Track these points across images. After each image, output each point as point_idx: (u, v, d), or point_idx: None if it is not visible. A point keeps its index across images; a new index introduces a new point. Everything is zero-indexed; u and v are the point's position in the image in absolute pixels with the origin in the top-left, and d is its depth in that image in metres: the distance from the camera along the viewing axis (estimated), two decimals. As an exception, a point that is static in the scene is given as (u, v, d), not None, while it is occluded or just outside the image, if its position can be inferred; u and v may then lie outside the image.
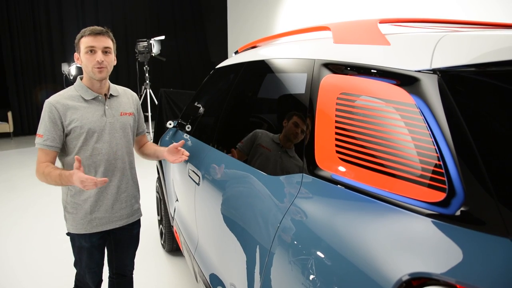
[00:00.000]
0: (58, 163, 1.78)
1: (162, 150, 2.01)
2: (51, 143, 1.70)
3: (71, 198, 1.80)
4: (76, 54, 1.77)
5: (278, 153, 1.47)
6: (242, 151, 1.70)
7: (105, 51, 1.72)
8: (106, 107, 1.80)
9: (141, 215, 2.02)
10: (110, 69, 1.77)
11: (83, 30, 1.72)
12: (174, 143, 1.95)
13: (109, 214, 1.83)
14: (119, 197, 1.86)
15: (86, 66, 1.72)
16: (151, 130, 7.81)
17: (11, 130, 8.94)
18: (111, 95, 1.84)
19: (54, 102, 1.71)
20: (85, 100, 1.76)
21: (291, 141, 1.43)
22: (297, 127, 1.38)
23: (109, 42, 1.74)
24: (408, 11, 4.59)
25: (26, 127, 9.51)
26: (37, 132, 1.73)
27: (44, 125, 1.70)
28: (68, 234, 1.84)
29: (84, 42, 1.69)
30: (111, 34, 1.77)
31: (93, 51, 1.70)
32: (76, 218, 1.79)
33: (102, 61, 1.70)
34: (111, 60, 1.76)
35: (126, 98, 1.92)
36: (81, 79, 1.80)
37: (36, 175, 1.72)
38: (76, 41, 1.75)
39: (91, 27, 1.72)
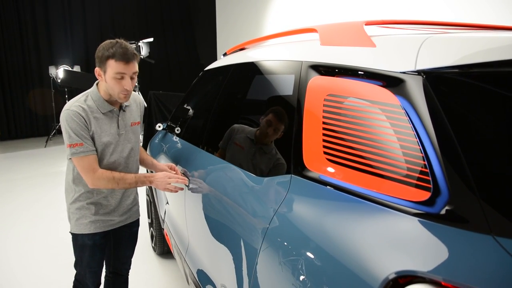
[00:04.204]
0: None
1: (156, 165, 2.04)
2: (93, 147, 1.69)
3: (73, 202, 1.80)
4: (98, 70, 1.68)
5: (252, 150, 1.48)
6: (222, 148, 1.72)
7: (133, 77, 1.69)
8: (120, 119, 1.79)
9: (139, 215, 2.04)
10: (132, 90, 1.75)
11: (111, 50, 1.62)
12: (170, 165, 2.02)
13: (111, 217, 1.85)
14: (123, 202, 1.89)
15: (112, 90, 1.67)
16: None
17: (-2, 135, 8.82)
18: (125, 106, 1.82)
19: (78, 109, 1.66)
20: (102, 112, 1.73)
21: (263, 139, 1.46)
22: (270, 126, 1.39)
23: (137, 66, 1.70)
24: (396, 12, 4.64)
25: (13, 132, 9.34)
26: (70, 143, 1.64)
27: (77, 133, 1.64)
28: (71, 232, 1.85)
29: (114, 66, 1.62)
30: (137, 55, 1.72)
31: (122, 77, 1.65)
32: (80, 219, 1.80)
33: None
34: (135, 82, 1.73)
35: (135, 106, 1.91)
36: (97, 84, 1.75)
37: (97, 182, 1.68)
38: (100, 55, 1.64)
39: (121, 49, 1.62)
